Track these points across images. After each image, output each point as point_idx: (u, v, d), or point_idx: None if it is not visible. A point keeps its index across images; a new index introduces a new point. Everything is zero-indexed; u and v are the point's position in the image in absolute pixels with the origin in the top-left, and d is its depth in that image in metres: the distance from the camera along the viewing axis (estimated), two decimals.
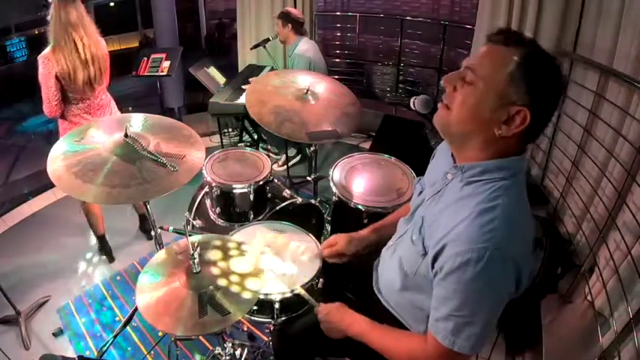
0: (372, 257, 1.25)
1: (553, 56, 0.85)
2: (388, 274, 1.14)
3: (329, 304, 1.21)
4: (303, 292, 1.33)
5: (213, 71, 3.51)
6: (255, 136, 3.62)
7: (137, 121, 1.61)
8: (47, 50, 2.06)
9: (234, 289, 1.22)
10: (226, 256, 1.34)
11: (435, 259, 0.92)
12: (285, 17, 3.11)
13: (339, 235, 1.40)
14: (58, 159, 1.39)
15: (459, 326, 0.88)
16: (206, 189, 2.08)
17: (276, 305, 1.42)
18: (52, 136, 2.32)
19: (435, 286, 0.93)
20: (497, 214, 0.85)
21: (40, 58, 2.06)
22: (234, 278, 1.26)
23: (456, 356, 0.90)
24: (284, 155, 3.39)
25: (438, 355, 0.93)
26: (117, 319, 2.20)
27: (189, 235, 1.30)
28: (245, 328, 2.03)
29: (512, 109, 0.84)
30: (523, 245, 0.88)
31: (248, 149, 2.19)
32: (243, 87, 3.18)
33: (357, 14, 4.31)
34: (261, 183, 1.96)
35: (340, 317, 1.15)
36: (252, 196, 1.95)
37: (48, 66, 2.04)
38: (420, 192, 1.10)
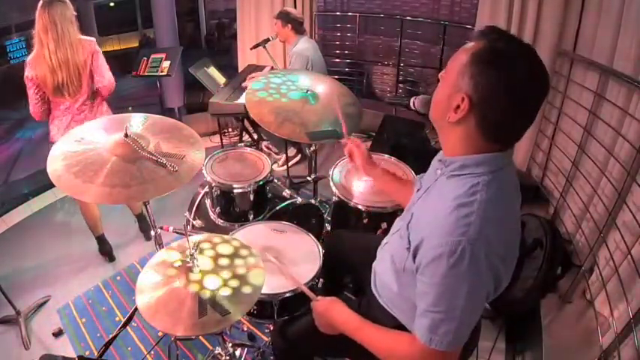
0: (372, 256, 1.25)
1: (514, 54, 0.83)
2: (384, 273, 1.14)
3: (324, 299, 1.21)
4: (303, 287, 1.33)
5: (213, 71, 3.51)
6: (255, 136, 3.62)
7: (137, 121, 1.61)
8: (30, 55, 2.11)
9: (233, 290, 1.22)
10: (226, 257, 1.34)
11: (415, 253, 0.93)
12: (285, 17, 3.11)
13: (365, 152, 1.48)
14: (58, 159, 1.39)
15: (435, 322, 0.89)
16: (206, 189, 2.09)
17: (276, 305, 1.42)
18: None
19: (417, 281, 0.94)
20: (473, 209, 0.85)
21: (26, 60, 2.11)
22: (232, 280, 1.26)
23: (437, 354, 0.91)
24: (284, 155, 3.39)
25: (420, 354, 0.93)
26: (117, 319, 2.19)
27: (189, 235, 1.30)
28: (245, 328, 2.03)
29: (458, 96, 0.86)
30: (501, 242, 0.87)
31: (248, 149, 2.19)
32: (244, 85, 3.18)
33: (357, 14, 4.30)
34: (261, 183, 1.96)
35: (334, 313, 1.15)
36: (252, 196, 1.96)
37: (29, 70, 2.09)
38: (418, 190, 1.11)
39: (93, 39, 2.26)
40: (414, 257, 0.94)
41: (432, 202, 0.97)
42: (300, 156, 3.67)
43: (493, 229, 0.85)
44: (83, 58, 2.18)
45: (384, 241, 1.22)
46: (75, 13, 2.15)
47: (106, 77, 2.29)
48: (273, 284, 1.40)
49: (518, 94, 0.83)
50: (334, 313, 1.15)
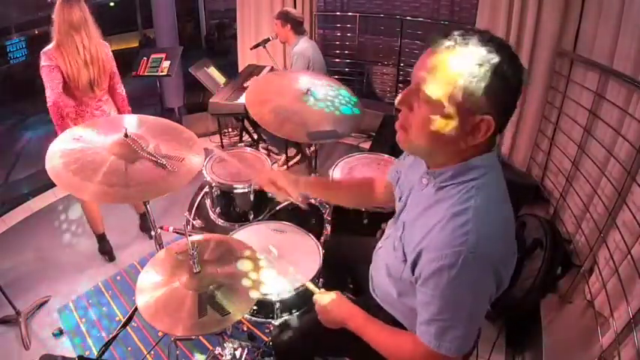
0: (370, 260, 1.25)
1: (509, 57, 0.79)
2: (381, 280, 1.14)
3: (328, 293, 1.20)
4: (309, 283, 1.33)
5: (213, 71, 3.51)
6: (255, 136, 3.62)
7: (137, 123, 1.61)
8: (50, 46, 2.09)
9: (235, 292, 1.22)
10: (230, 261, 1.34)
11: (413, 265, 0.92)
12: (284, 17, 3.11)
13: (284, 172, 1.38)
14: (56, 155, 1.39)
15: (441, 330, 0.89)
16: (206, 189, 2.08)
17: (276, 305, 1.42)
18: (52, 136, 2.31)
19: (417, 291, 0.93)
20: (469, 217, 0.83)
21: (43, 53, 2.08)
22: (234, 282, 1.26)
23: (444, 359, 0.91)
24: (284, 155, 3.39)
25: (425, 355, 0.93)
26: (117, 319, 2.19)
27: (189, 235, 1.30)
28: (245, 328, 2.03)
29: (474, 119, 0.80)
30: (500, 244, 0.86)
31: (248, 149, 2.19)
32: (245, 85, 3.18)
33: (357, 14, 4.30)
34: None
35: (338, 309, 1.15)
36: (252, 196, 1.95)
37: (51, 59, 2.05)
38: (400, 197, 1.10)
39: (107, 43, 2.29)
40: (413, 269, 0.93)
41: (424, 213, 0.94)
42: (300, 156, 3.67)
43: (491, 233, 0.84)
44: (106, 56, 2.22)
45: (378, 245, 1.22)
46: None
47: (121, 85, 2.37)
48: (273, 284, 1.40)
49: (516, 95, 0.82)
50: (340, 307, 1.15)
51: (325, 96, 2.01)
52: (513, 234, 0.92)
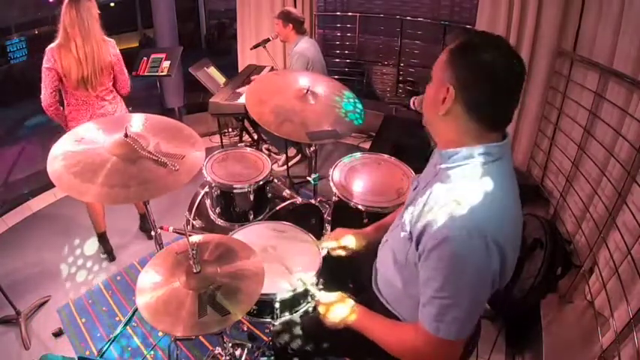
0: (371, 255, 1.25)
1: (487, 45, 0.89)
2: (386, 271, 1.15)
3: (329, 294, 1.21)
4: (307, 283, 1.34)
5: (213, 71, 3.51)
6: (255, 136, 3.62)
7: (137, 121, 1.61)
8: (54, 44, 2.13)
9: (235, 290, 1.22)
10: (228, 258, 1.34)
11: (418, 241, 0.94)
12: (286, 17, 3.11)
13: (343, 229, 1.43)
14: (57, 159, 1.39)
15: (442, 309, 0.89)
16: (206, 189, 2.09)
17: (276, 305, 1.42)
18: (52, 136, 2.31)
19: (420, 269, 0.95)
20: (477, 195, 0.87)
21: (47, 49, 2.13)
22: (233, 280, 1.26)
23: (443, 344, 0.91)
24: (284, 155, 3.39)
25: (425, 344, 0.94)
26: (117, 319, 2.19)
27: (189, 235, 1.30)
28: (245, 328, 2.03)
29: (443, 89, 0.92)
30: (505, 226, 0.88)
31: (248, 149, 2.19)
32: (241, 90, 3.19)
33: (357, 14, 4.30)
34: (261, 183, 1.96)
35: (340, 307, 1.15)
36: (252, 196, 1.96)
37: (50, 59, 2.11)
38: (415, 187, 1.12)
39: (112, 40, 2.31)
40: (417, 245, 0.94)
41: (433, 192, 0.97)
42: (300, 156, 3.67)
43: (497, 213, 0.87)
44: (107, 57, 2.23)
45: (384, 238, 1.23)
46: (99, 12, 2.19)
47: (127, 79, 2.40)
48: (273, 284, 1.40)
49: (493, 74, 0.87)
50: (340, 306, 1.15)
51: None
52: (520, 221, 0.96)
